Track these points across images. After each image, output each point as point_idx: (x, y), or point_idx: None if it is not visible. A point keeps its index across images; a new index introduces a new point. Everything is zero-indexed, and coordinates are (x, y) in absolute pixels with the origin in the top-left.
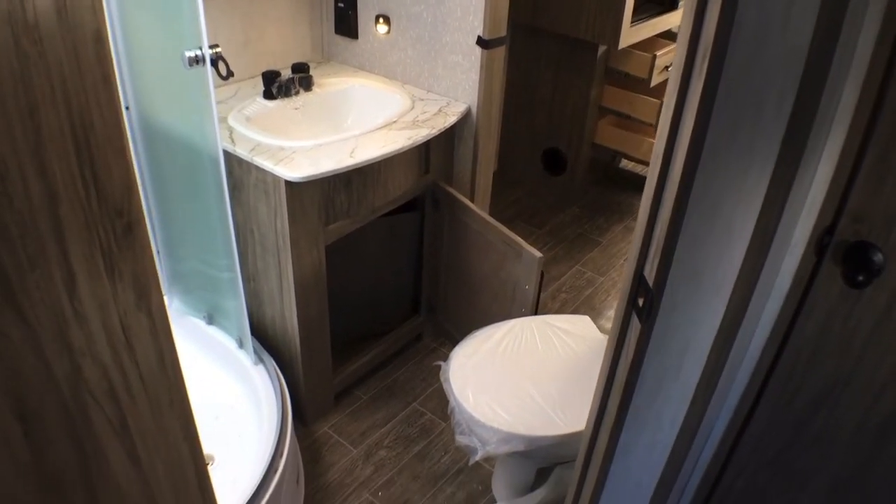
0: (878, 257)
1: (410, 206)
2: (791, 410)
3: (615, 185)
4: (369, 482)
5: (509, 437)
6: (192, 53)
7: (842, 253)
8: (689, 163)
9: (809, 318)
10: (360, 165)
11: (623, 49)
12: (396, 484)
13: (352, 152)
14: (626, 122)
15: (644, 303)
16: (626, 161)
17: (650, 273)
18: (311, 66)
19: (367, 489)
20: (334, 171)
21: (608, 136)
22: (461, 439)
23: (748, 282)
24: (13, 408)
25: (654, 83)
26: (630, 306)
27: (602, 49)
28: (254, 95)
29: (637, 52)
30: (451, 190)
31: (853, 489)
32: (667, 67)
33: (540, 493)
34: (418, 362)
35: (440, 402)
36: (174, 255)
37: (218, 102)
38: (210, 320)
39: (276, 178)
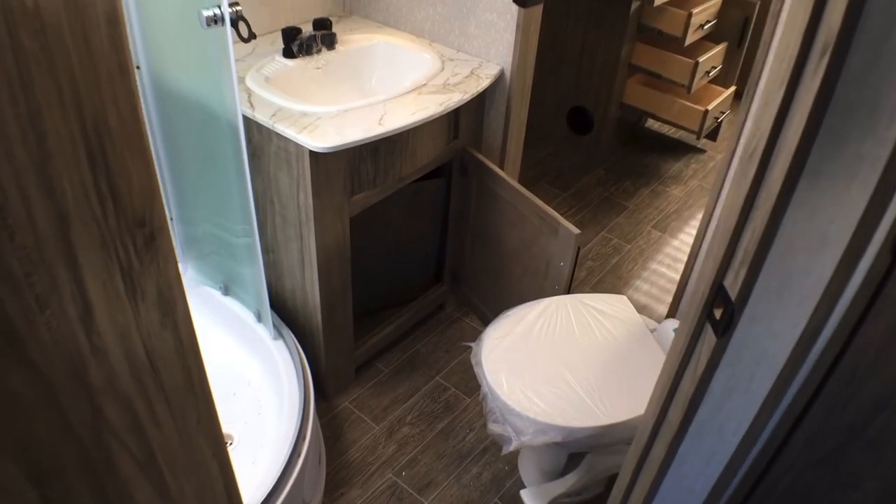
0: None
1: (436, 171)
2: (848, 412)
3: (642, 146)
4: (392, 461)
5: (546, 428)
6: (209, 12)
7: None
8: (794, 167)
9: (878, 319)
10: (389, 134)
11: (658, 5)
12: (420, 463)
13: (380, 119)
14: (656, 81)
15: (723, 315)
16: (651, 121)
17: (733, 284)
18: (333, 21)
19: (390, 468)
20: (363, 140)
21: (637, 95)
22: (494, 428)
23: (835, 294)
24: (28, 474)
25: (688, 42)
26: (704, 317)
27: (635, 4)
28: (272, 53)
29: (672, 8)
30: (481, 157)
31: None
32: (702, 25)
33: (571, 478)
34: (441, 333)
35: (464, 376)
36: (188, 219)
37: (235, 61)
38: (226, 291)
39: (299, 147)
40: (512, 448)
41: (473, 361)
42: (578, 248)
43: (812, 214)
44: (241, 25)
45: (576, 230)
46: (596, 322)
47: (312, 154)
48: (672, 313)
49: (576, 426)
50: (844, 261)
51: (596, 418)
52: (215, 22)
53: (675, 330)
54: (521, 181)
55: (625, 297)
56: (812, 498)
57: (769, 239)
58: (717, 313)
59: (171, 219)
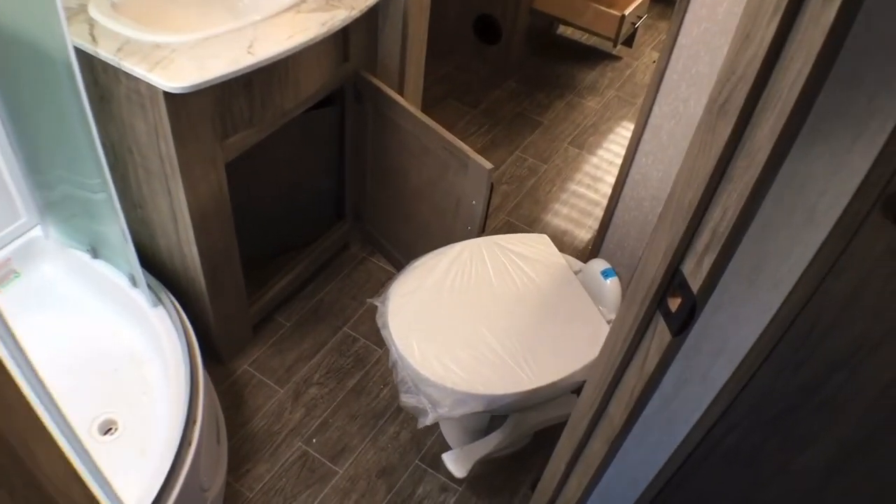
0: None
1: (328, 98)
2: (800, 373)
3: (555, 55)
4: (301, 427)
5: (466, 398)
6: None
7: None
8: (789, 128)
9: (841, 277)
10: (262, 64)
11: None
12: (332, 427)
13: (250, 47)
14: None
15: (680, 308)
16: (564, 27)
17: (695, 273)
18: None
19: (298, 436)
20: (228, 74)
21: (548, 1)
22: (406, 399)
23: (816, 277)
24: None
25: None
26: (654, 307)
27: None
28: None
29: None
30: (376, 81)
31: (861, 455)
32: None
33: (495, 438)
34: (346, 277)
35: (374, 324)
36: (45, 183)
37: None
38: (95, 254)
39: (152, 88)
40: (429, 422)
41: (379, 323)
42: (492, 185)
43: (801, 187)
44: None
45: (488, 165)
46: (515, 268)
47: (168, 96)
48: (596, 251)
49: (498, 393)
50: (833, 237)
51: (521, 383)
52: None
53: (603, 273)
54: (425, 100)
55: (545, 237)
56: (760, 457)
57: (747, 219)
58: (673, 304)
59: (24, 177)
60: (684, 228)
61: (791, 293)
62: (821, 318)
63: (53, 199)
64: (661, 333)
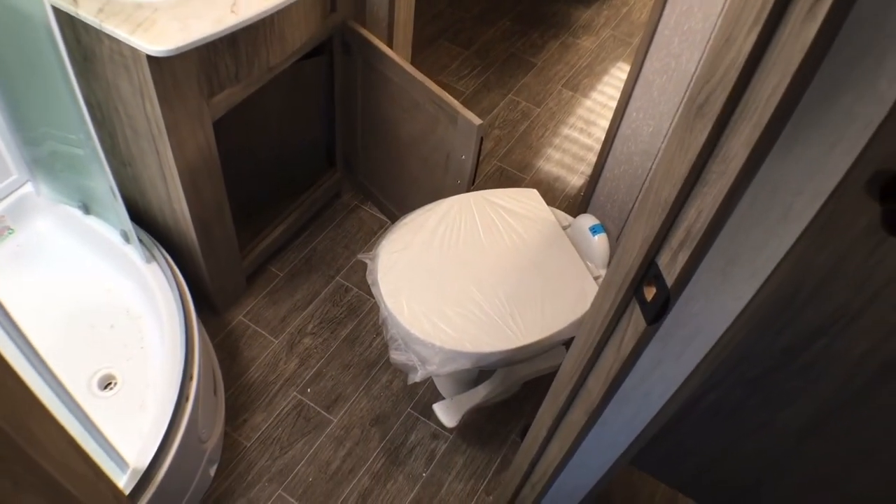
0: None
1: (316, 48)
2: (783, 335)
3: None
4: (296, 377)
5: (454, 356)
6: None
7: (882, 184)
8: (768, 135)
9: (822, 251)
10: (245, 24)
11: None
12: (326, 377)
13: (233, 5)
14: None
15: (654, 299)
16: None
17: (669, 267)
18: None
19: (293, 386)
20: (211, 35)
21: None
22: (396, 356)
23: (790, 267)
24: None
25: None
26: (630, 294)
27: None
28: None
29: None
30: (364, 32)
31: (837, 417)
32: None
33: (484, 388)
34: (338, 225)
35: (366, 272)
36: (32, 139)
37: None
38: (87, 210)
39: (135, 50)
40: (418, 378)
41: (369, 280)
42: (481, 140)
43: (776, 188)
44: None
45: (477, 120)
46: (504, 223)
47: (152, 58)
48: (586, 204)
49: (486, 351)
50: (808, 233)
51: (508, 340)
52: None
53: (591, 229)
54: (417, 41)
55: (534, 192)
56: (741, 413)
57: (721, 220)
58: (648, 294)
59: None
60: (660, 223)
61: (765, 283)
62: (803, 287)
63: (41, 155)
64: (636, 321)
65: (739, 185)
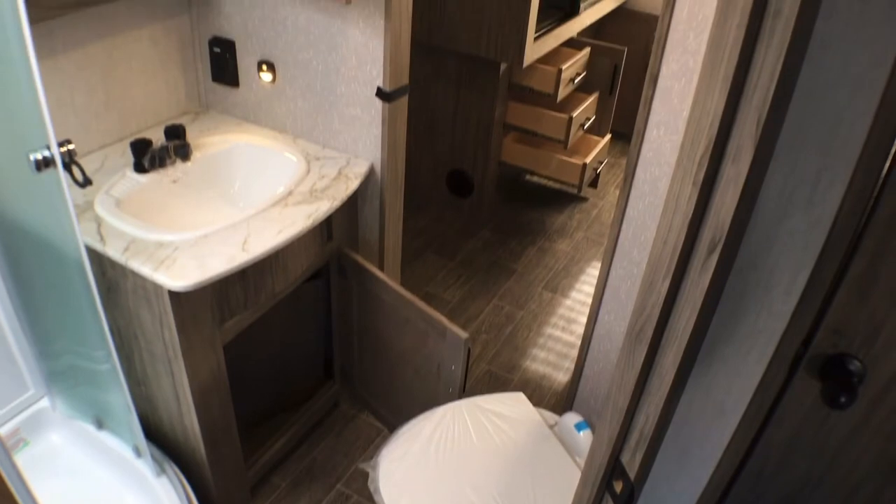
0: (855, 365)
1: (315, 272)
2: None
3: (524, 202)
4: None
5: None
6: (38, 155)
7: (819, 365)
8: (687, 356)
9: (780, 427)
10: (255, 260)
11: (527, 65)
12: None
13: (244, 244)
14: (533, 138)
15: (622, 491)
16: (530, 175)
17: (631, 463)
18: (188, 118)
19: None
20: (226, 272)
21: (515, 153)
22: None
23: (737, 451)
24: None
25: (560, 97)
26: (603, 488)
27: (504, 66)
28: (123, 167)
29: (542, 66)
30: (358, 258)
31: None
32: (572, 80)
33: None
34: (337, 434)
35: (366, 480)
36: (49, 353)
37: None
38: (100, 425)
39: (157, 285)
40: None
41: (371, 488)
42: (469, 351)
43: (708, 390)
44: (76, 170)
45: (464, 334)
46: (494, 427)
47: (172, 292)
48: (571, 401)
49: None
50: (743, 425)
51: None
52: (46, 165)
53: (577, 426)
54: (405, 254)
55: (521, 395)
56: None
57: (664, 424)
58: (618, 486)
59: (35, 354)
60: (619, 427)
61: (717, 467)
62: (769, 461)
63: (58, 368)
64: None
65: (675, 394)
